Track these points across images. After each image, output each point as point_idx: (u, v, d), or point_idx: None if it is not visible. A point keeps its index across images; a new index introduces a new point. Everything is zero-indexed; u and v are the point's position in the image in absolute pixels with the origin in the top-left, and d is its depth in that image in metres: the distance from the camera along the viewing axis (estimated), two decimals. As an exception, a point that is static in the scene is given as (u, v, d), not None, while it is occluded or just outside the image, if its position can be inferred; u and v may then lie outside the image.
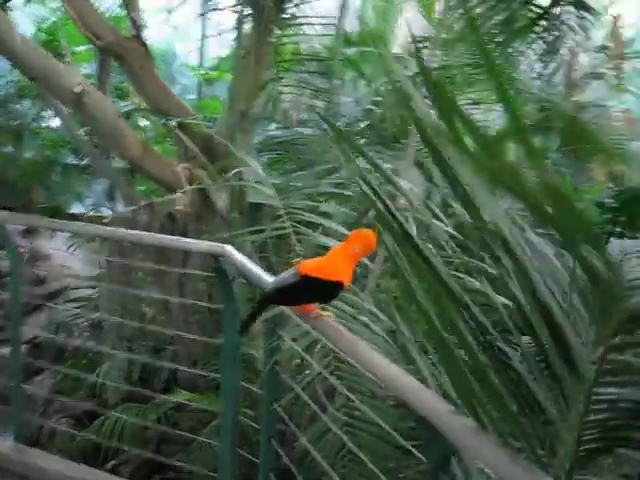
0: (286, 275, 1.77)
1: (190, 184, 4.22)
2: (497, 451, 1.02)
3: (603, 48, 5.62)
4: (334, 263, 1.76)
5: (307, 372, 2.55)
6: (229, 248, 2.59)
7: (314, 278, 1.72)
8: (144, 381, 4.23)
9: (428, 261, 1.19)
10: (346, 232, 2.80)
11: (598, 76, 5.78)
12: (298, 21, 4.99)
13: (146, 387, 3.87)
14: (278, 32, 4.70)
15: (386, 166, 3.67)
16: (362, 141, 4.36)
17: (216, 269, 2.70)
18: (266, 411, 2.57)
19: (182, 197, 4.08)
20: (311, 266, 1.77)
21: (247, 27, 4.69)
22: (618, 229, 3.87)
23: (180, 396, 3.72)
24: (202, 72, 7.55)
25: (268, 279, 2.30)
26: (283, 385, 2.58)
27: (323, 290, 1.75)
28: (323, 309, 1.82)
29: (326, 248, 2.74)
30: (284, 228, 3.03)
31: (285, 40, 4.87)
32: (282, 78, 4.69)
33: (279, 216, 3.22)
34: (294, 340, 2.57)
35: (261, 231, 3.20)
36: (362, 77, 5.52)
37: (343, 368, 2.48)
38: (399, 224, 1.27)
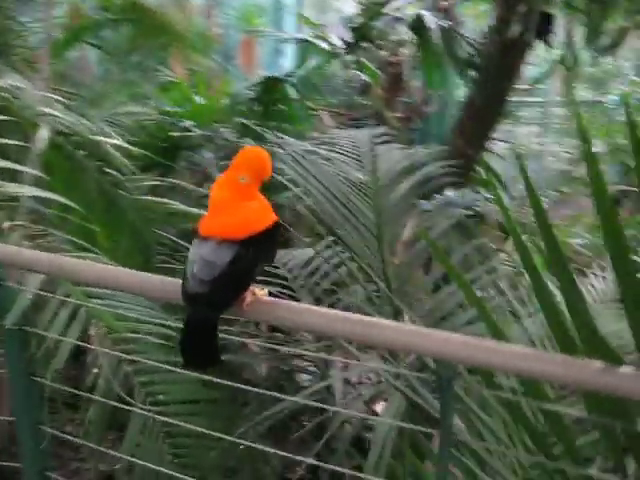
0: (198, 257, 1.17)
1: None
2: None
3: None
4: (241, 208, 1.21)
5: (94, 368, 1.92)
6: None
7: (256, 236, 1.18)
8: None
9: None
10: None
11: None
12: None
13: None
14: None
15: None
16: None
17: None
18: (30, 440, 1.86)
19: None
20: (220, 225, 1.19)
21: None
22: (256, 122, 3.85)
23: None
24: None
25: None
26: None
27: (267, 250, 1.24)
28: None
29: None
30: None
31: None
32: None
33: None
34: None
35: None
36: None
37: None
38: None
